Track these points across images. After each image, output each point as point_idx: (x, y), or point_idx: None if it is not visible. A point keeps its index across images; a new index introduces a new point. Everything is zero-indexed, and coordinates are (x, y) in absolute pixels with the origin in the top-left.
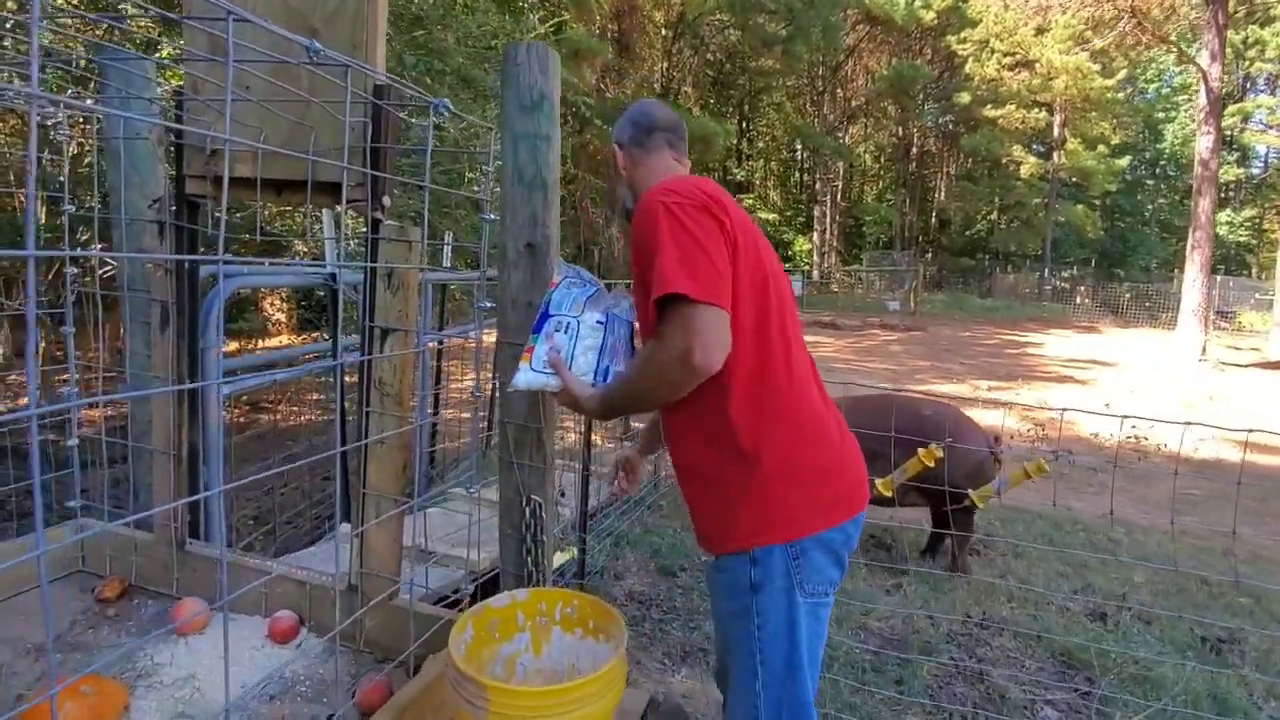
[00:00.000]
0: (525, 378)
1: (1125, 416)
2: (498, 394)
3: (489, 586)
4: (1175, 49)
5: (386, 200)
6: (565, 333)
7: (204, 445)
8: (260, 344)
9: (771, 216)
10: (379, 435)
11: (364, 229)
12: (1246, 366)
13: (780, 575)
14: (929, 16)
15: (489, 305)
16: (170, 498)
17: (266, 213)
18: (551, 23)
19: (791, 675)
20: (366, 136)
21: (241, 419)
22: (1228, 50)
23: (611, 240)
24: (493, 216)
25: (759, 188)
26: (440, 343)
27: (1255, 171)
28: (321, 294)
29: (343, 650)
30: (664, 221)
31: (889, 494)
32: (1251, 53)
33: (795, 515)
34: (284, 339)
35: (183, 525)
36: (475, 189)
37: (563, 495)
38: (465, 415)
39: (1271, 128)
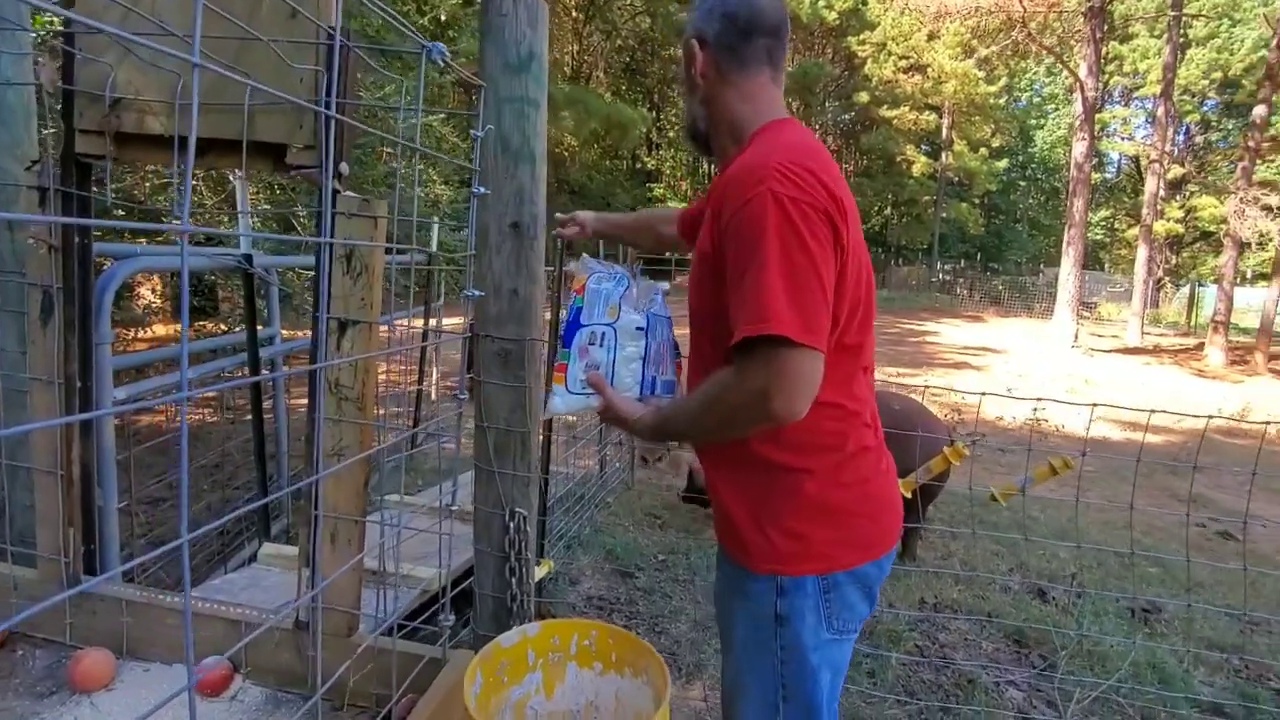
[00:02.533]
0: (563, 403)
1: (1039, 400)
2: (482, 395)
3: (457, 601)
4: (1057, 59)
5: (344, 167)
6: (601, 345)
7: (99, 462)
8: (136, 335)
9: (682, 206)
10: (337, 446)
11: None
12: (1110, 352)
13: (810, 610)
14: (831, 17)
15: (476, 294)
16: (59, 526)
17: (145, 181)
18: None
19: (813, 714)
20: (321, 88)
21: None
22: None
23: None
24: (483, 189)
25: (669, 177)
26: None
27: (1109, 176)
28: (211, 278)
29: (290, 699)
30: (776, 225)
31: (909, 495)
32: (1110, 67)
33: (834, 547)
34: (163, 329)
35: (75, 559)
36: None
37: None
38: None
39: (1124, 137)
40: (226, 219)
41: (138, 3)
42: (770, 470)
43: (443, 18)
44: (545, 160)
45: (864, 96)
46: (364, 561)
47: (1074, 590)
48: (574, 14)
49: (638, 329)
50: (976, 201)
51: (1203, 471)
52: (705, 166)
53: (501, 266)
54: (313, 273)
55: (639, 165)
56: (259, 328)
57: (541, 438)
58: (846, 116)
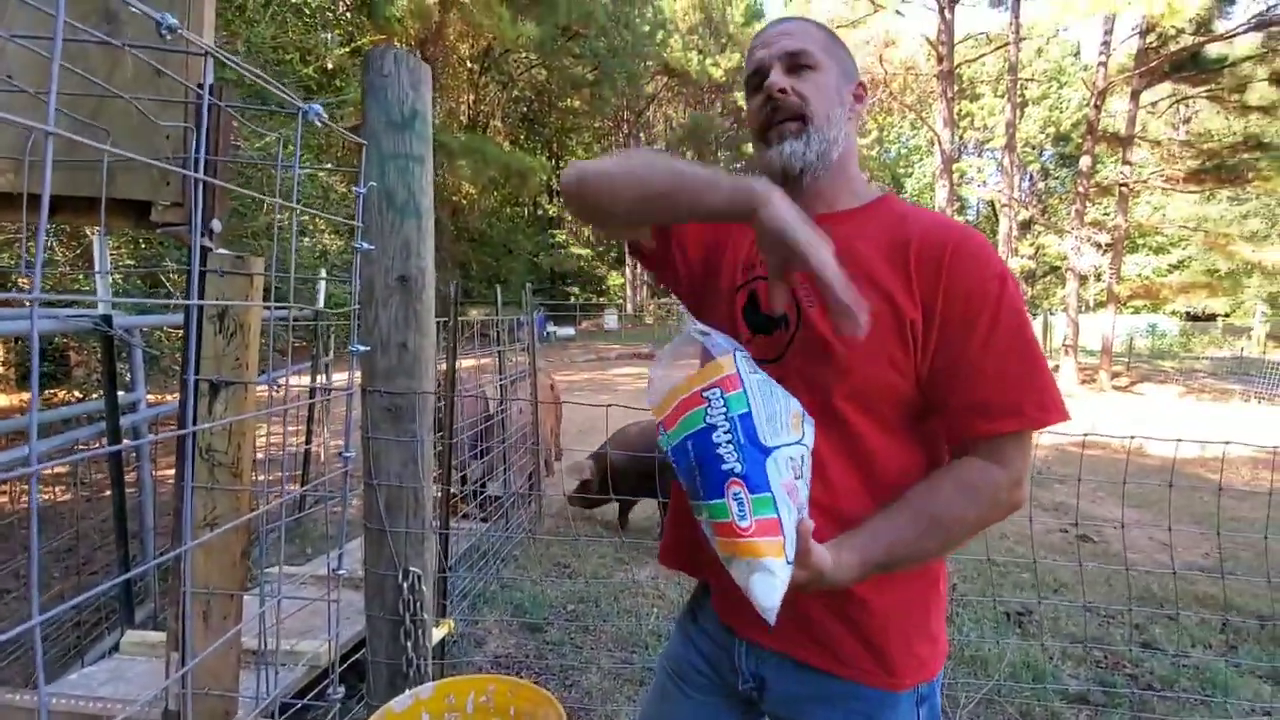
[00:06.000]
0: (781, 583)
1: None
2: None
3: (350, 675)
4: (918, 116)
5: (216, 225)
6: (802, 478)
7: None
8: None
9: (585, 252)
10: (210, 515)
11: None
12: None
13: (936, 707)
14: (718, 73)
15: (361, 349)
16: None
17: None
18: (351, 45)
19: None
20: (189, 145)
21: None
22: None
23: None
24: (367, 245)
25: (570, 223)
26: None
27: (970, 217)
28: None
29: None
30: (1019, 308)
31: None
32: (964, 122)
33: (944, 635)
34: (6, 400)
35: None
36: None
37: None
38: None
39: (980, 184)
40: (83, 276)
41: None
42: (928, 568)
43: (329, 66)
44: (432, 214)
45: (751, 148)
46: (243, 641)
47: (955, 600)
48: (469, 65)
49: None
50: None
51: (1064, 482)
52: None
53: (389, 320)
54: (184, 331)
55: (540, 212)
56: (121, 393)
57: (439, 493)
58: (738, 165)
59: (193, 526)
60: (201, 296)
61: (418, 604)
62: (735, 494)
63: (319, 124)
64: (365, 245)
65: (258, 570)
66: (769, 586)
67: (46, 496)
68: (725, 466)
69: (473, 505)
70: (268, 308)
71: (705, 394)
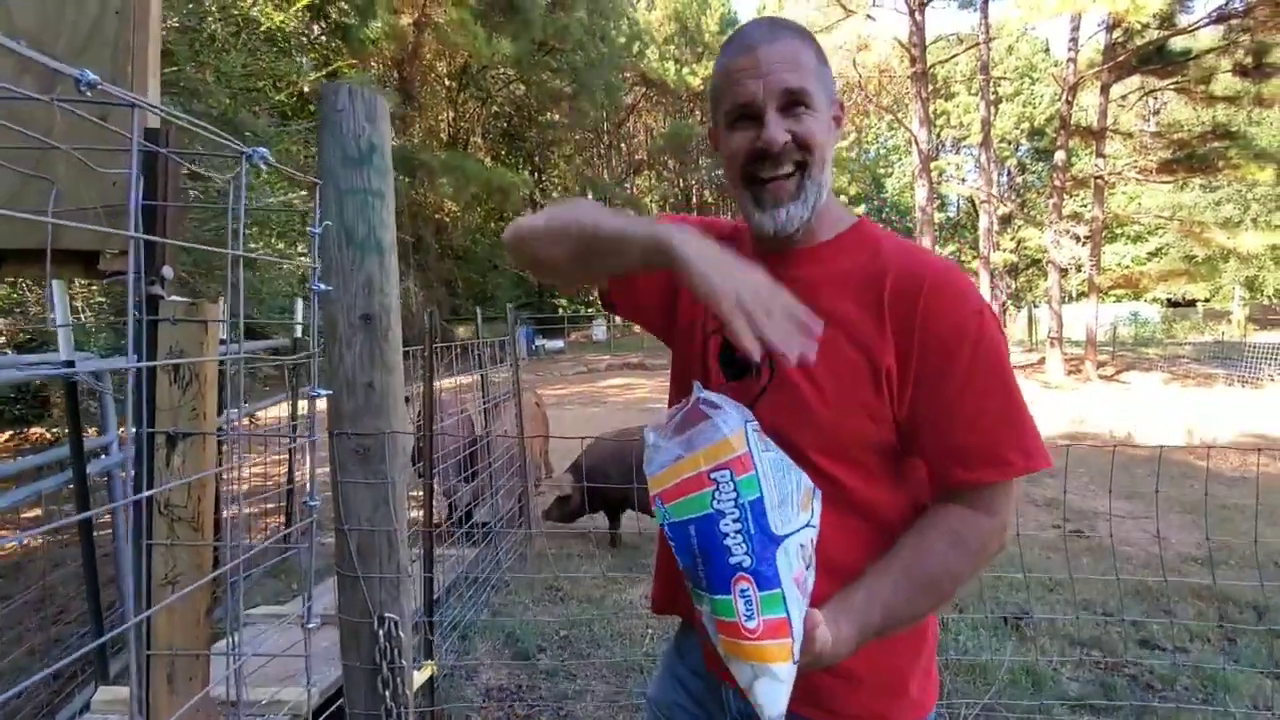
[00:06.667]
0: (788, 688)
1: None
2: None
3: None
4: (894, 117)
5: (168, 271)
6: (811, 566)
7: None
8: None
9: None
10: (170, 573)
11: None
12: None
13: None
14: (695, 82)
15: (324, 392)
16: None
17: None
18: (326, 69)
19: None
20: (134, 193)
21: None
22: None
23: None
24: (325, 286)
25: None
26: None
27: (951, 214)
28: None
29: None
30: (1001, 347)
31: None
32: (940, 120)
33: (934, 666)
34: None
35: None
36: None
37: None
38: (257, 509)
39: (959, 180)
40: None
41: None
42: (927, 635)
43: (305, 89)
44: (395, 250)
45: None
46: (220, 693)
47: (951, 606)
48: (447, 83)
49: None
50: None
51: (1055, 476)
52: None
53: (354, 360)
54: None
55: None
56: (93, 435)
57: (424, 530)
58: (719, 172)
59: (154, 586)
60: (154, 345)
61: (395, 651)
62: (743, 590)
63: (262, 167)
64: (323, 286)
65: (239, 611)
66: (775, 693)
67: (19, 543)
68: (733, 560)
69: (459, 533)
70: (221, 358)
71: (713, 475)
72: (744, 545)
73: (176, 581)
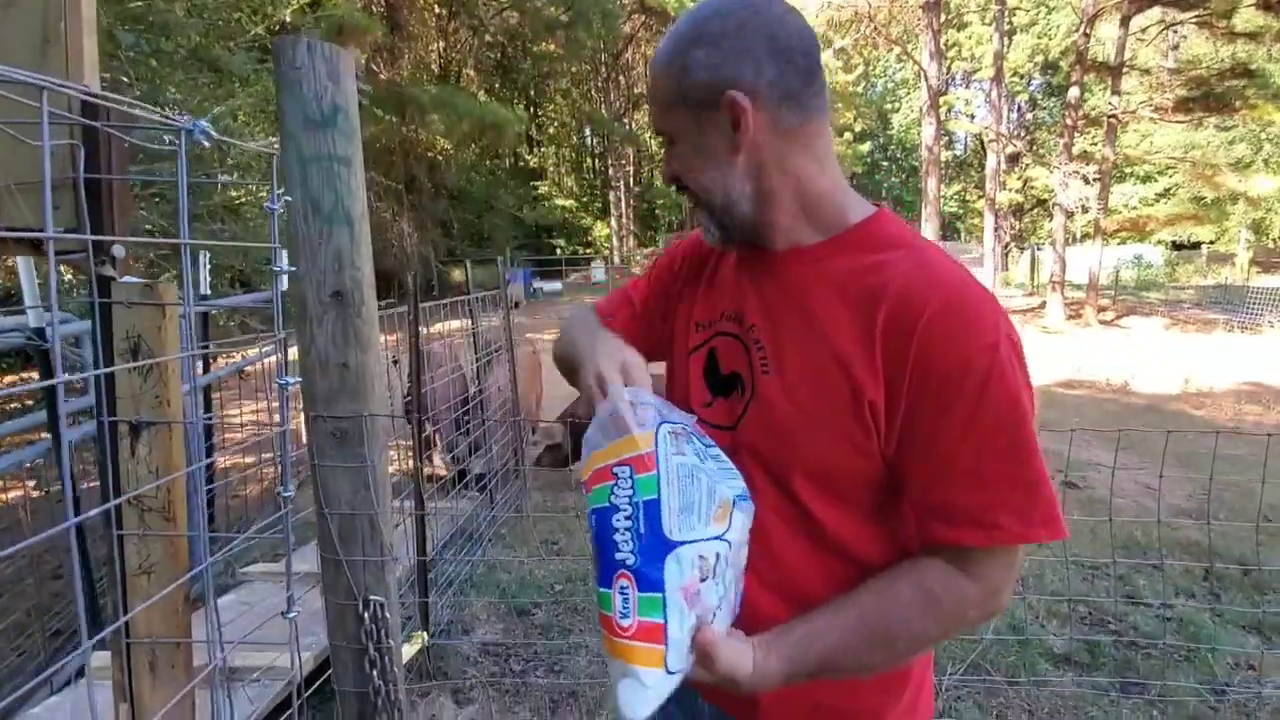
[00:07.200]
0: (657, 695)
1: None
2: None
3: (318, 683)
4: (903, 50)
5: (119, 250)
6: (715, 577)
7: None
8: None
9: (569, 203)
10: (144, 564)
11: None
12: None
13: None
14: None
15: (293, 381)
16: None
17: None
18: None
19: None
20: (78, 166)
21: None
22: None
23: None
24: (287, 268)
25: (553, 174)
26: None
27: (959, 152)
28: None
29: None
30: (1019, 392)
31: None
32: (951, 53)
33: (929, 692)
34: None
35: None
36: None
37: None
38: (249, 460)
39: (969, 116)
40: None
41: None
42: (913, 669)
43: (287, 18)
44: (366, 220)
45: None
46: (214, 654)
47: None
48: (437, 10)
49: (750, 531)
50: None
51: (1045, 426)
52: (589, 162)
53: (326, 339)
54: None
55: (520, 164)
56: (79, 397)
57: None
58: None
59: (129, 576)
60: (108, 330)
61: (381, 632)
62: (622, 588)
63: (205, 142)
64: (286, 266)
65: (238, 566)
66: (637, 697)
67: (14, 495)
68: (619, 556)
69: (459, 487)
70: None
71: (615, 470)
72: (631, 543)
73: (152, 571)
